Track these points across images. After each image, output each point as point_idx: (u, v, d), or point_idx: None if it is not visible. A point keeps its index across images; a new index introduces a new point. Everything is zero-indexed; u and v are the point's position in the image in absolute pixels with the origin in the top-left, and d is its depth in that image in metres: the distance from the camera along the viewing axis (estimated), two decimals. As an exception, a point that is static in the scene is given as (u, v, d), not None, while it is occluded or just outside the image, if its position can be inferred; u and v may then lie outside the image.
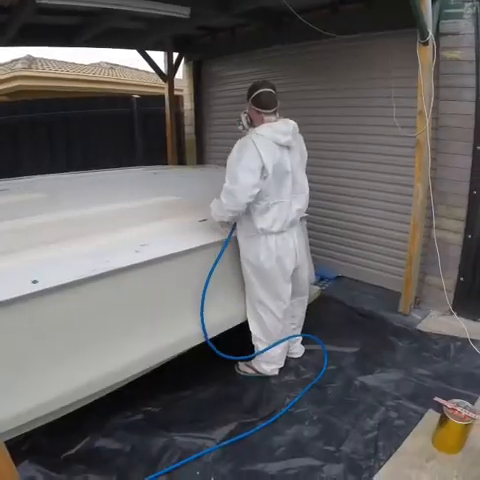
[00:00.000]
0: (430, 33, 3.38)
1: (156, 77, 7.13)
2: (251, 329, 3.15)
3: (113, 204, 3.16)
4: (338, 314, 4.15)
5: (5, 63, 9.19)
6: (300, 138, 2.98)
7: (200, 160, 6.94)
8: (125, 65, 12.17)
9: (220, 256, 2.90)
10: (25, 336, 2.16)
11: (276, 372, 3.22)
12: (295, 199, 2.94)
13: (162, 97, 6.79)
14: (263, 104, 2.80)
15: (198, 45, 6.37)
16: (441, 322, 3.91)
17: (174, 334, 2.76)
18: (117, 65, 11.93)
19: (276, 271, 2.95)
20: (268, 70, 5.45)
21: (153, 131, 7.11)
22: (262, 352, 3.13)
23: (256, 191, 2.69)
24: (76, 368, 2.33)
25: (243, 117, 2.92)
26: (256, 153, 2.64)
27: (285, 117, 2.91)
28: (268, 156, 2.66)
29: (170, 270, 2.67)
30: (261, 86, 2.85)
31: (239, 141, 2.76)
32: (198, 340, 2.91)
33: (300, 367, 3.31)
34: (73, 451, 2.51)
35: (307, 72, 4.98)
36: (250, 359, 3.22)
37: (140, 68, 12.08)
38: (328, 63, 4.74)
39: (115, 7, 3.67)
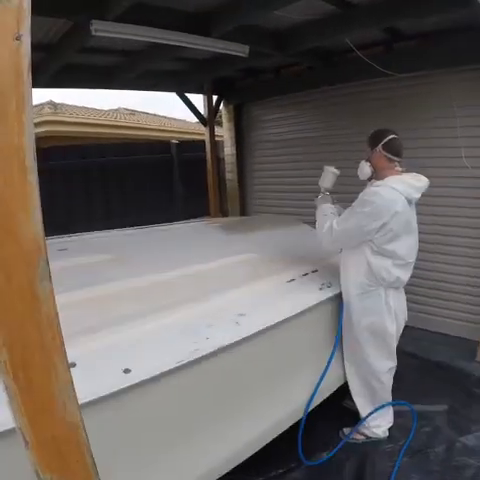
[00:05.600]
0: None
1: (178, 122, 7.00)
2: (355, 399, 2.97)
3: (189, 266, 2.83)
4: (414, 368, 3.87)
5: (30, 107, 9.20)
6: None
7: (243, 209, 6.61)
8: (144, 111, 12.32)
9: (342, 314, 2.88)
10: (116, 434, 1.78)
11: (387, 433, 2.98)
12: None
13: (200, 142, 6.64)
14: (396, 150, 2.57)
15: (239, 88, 6.21)
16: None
17: (281, 412, 2.52)
18: (136, 111, 12.00)
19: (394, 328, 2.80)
20: (313, 113, 5.32)
21: (192, 177, 6.89)
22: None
23: (353, 244, 2.65)
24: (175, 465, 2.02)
25: (366, 166, 2.65)
26: (378, 211, 2.47)
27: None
28: (394, 213, 2.48)
29: (273, 339, 2.42)
30: (390, 132, 2.61)
31: (370, 190, 2.58)
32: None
33: (395, 432, 3.02)
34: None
35: (357, 114, 4.79)
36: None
37: (159, 113, 12.35)
38: (380, 104, 4.55)
39: (177, 43, 3.59)
